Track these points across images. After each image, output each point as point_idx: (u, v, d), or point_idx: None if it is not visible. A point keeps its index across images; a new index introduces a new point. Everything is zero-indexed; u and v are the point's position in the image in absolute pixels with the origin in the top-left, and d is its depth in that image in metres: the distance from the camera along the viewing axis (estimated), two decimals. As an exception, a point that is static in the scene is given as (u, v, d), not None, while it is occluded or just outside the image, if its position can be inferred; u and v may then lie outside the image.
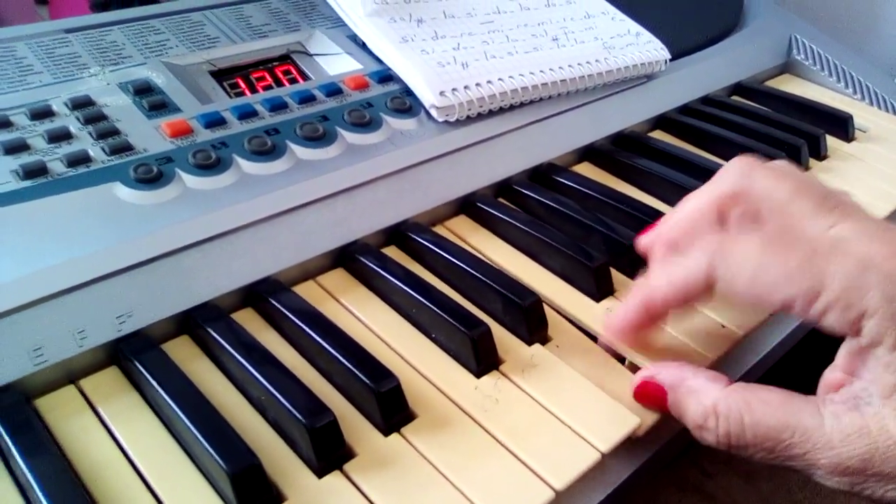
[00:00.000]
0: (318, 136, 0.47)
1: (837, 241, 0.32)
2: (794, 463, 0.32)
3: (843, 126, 0.64)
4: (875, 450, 0.30)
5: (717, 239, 0.35)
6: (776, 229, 0.34)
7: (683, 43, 0.68)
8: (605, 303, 0.43)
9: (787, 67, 0.77)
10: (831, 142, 0.63)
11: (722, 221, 0.36)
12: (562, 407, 0.36)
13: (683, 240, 0.37)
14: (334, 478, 0.33)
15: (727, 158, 0.58)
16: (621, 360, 0.40)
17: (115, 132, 0.44)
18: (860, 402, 0.31)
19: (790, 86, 0.73)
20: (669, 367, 0.36)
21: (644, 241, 0.40)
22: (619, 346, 0.39)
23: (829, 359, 0.34)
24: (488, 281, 0.42)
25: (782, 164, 0.37)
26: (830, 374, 0.33)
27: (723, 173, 0.37)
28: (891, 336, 0.30)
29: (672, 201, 0.53)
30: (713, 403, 0.33)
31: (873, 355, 0.31)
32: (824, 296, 0.31)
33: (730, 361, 0.42)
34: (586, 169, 0.57)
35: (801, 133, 0.61)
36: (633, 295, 0.38)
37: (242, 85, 0.51)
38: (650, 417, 0.37)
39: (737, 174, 0.36)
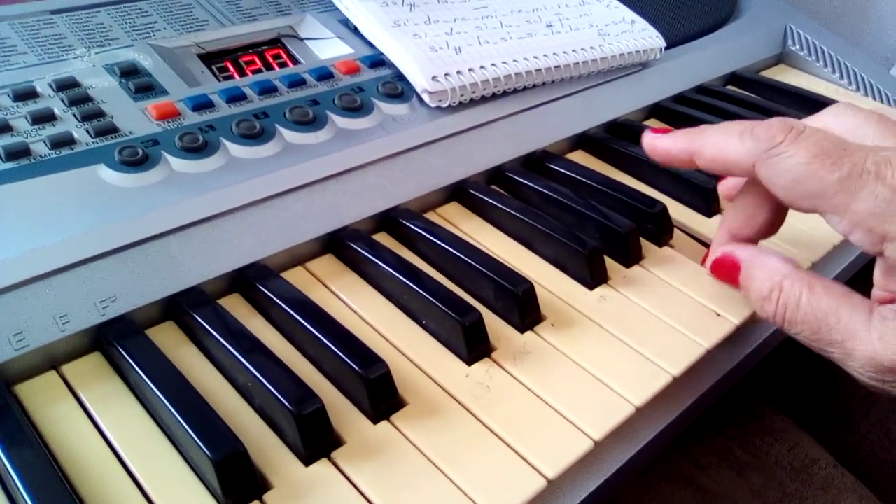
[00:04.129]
0: (308, 121, 0.46)
1: (880, 163, 0.33)
2: (833, 349, 0.35)
3: (838, 116, 0.64)
4: None
5: (772, 137, 0.36)
6: (830, 142, 0.34)
7: (679, 31, 0.67)
8: (599, 290, 0.43)
9: (783, 58, 0.76)
10: (827, 132, 0.62)
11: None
12: (554, 395, 0.36)
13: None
14: (322, 466, 0.32)
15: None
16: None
17: (100, 114, 0.43)
18: None
19: (785, 76, 0.73)
20: (745, 245, 0.41)
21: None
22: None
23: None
24: (480, 267, 0.41)
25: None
26: (876, 292, 0.36)
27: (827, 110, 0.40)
28: None
29: (666, 189, 0.53)
30: (781, 278, 0.37)
31: None
32: (850, 215, 0.33)
33: (725, 350, 0.41)
34: (580, 156, 0.56)
35: (797, 123, 0.60)
36: (683, 137, 0.40)
37: (231, 68, 0.50)
38: (641, 398, 0.36)
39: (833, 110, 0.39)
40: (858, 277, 0.48)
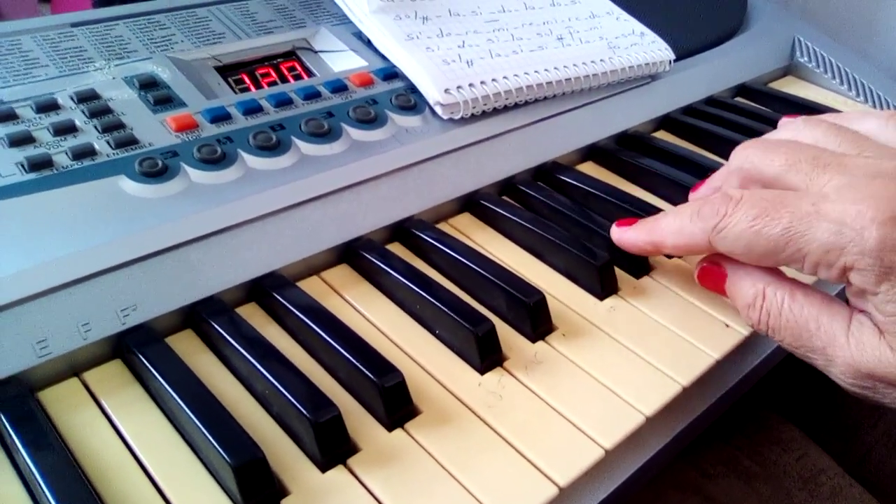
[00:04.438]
0: (323, 133, 0.47)
1: (818, 202, 0.34)
2: (815, 356, 0.36)
3: (846, 128, 0.64)
4: (879, 361, 0.33)
5: (717, 211, 0.37)
6: (767, 199, 0.36)
7: (687, 44, 0.68)
8: (609, 301, 0.43)
9: (791, 70, 0.77)
10: (834, 144, 0.63)
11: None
12: (565, 404, 0.36)
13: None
14: (338, 472, 0.33)
15: (731, 159, 0.58)
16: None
17: (120, 126, 0.44)
18: (879, 325, 0.34)
19: (793, 88, 0.73)
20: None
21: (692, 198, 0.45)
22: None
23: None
24: (492, 278, 0.42)
25: (776, 140, 0.40)
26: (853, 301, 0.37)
27: (729, 165, 0.41)
28: (871, 285, 0.33)
29: (676, 201, 0.53)
30: (764, 285, 0.37)
31: (868, 299, 0.34)
32: (808, 258, 0.34)
33: (734, 361, 0.42)
34: (590, 168, 0.57)
35: (805, 135, 0.61)
36: (645, 225, 0.42)
37: (247, 81, 0.51)
38: (651, 408, 0.37)
39: (737, 162, 0.40)
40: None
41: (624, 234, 0.43)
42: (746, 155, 0.40)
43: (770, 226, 0.35)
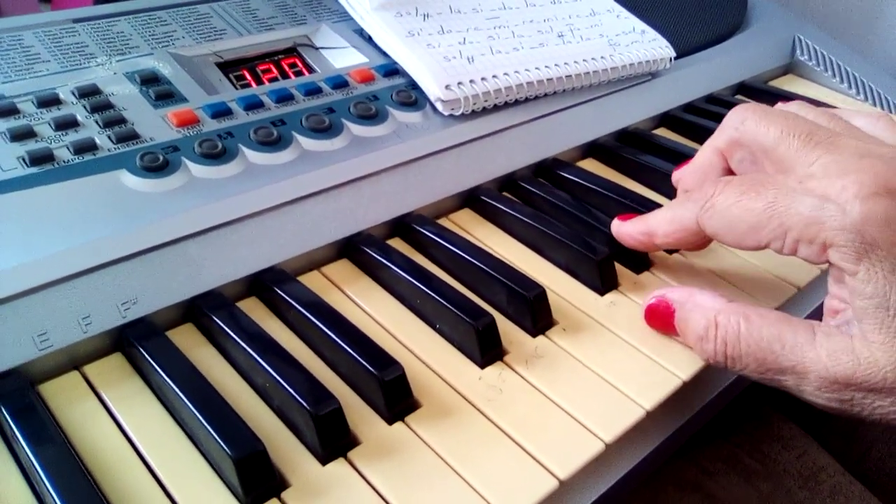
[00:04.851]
0: (324, 128, 0.47)
1: (803, 179, 0.34)
2: (784, 378, 0.34)
3: (846, 126, 0.64)
4: (857, 365, 0.32)
5: (705, 193, 0.37)
6: (753, 179, 0.36)
7: (688, 42, 0.68)
8: (609, 296, 0.43)
9: (791, 68, 0.77)
10: (835, 141, 0.63)
11: (727, 166, 0.41)
12: (566, 398, 0.36)
13: (694, 184, 0.42)
14: (338, 465, 0.33)
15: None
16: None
17: (121, 121, 0.44)
18: (849, 323, 0.34)
19: (793, 86, 0.73)
20: (678, 287, 0.41)
21: (674, 176, 0.46)
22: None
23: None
24: (493, 272, 0.42)
25: (777, 109, 0.39)
26: (828, 302, 0.36)
27: (725, 121, 0.41)
28: (851, 263, 0.32)
29: (675, 197, 0.53)
30: (714, 314, 0.36)
31: (846, 282, 0.33)
32: (790, 234, 0.34)
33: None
34: (591, 165, 0.57)
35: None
36: (639, 220, 0.42)
37: (248, 77, 0.51)
38: (651, 402, 0.37)
39: (732, 122, 0.40)
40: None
41: (621, 228, 0.44)
42: (743, 118, 0.39)
43: (754, 200, 0.35)
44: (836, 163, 0.33)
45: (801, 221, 0.33)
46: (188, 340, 0.38)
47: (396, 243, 0.46)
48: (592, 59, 0.57)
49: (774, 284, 0.46)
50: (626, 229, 0.43)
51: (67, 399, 0.35)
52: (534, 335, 0.40)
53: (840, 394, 0.33)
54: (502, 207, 0.48)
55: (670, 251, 0.48)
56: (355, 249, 0.44)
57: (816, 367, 0.33)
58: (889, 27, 0.92)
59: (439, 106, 0.51)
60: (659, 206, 0.49)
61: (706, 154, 0.42)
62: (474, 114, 0.52)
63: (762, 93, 0.70)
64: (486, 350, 0.38)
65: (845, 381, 0.32)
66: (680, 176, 0.45)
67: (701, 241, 0.41)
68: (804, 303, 0.46)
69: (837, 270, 0.34)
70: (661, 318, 0.40)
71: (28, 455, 0.31)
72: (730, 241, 0.37)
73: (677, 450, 0.40)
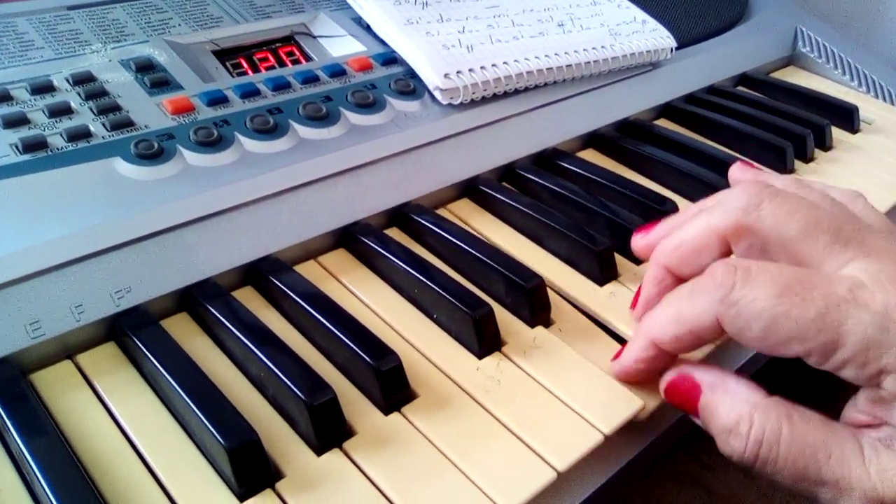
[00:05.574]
0: (321, 116, 0.46)
1: (854, 288, 0.30)
2: (823, 489, 0.30)
3: (848, 117, 0.64)
4: None
5: (726, 281, 0.31)
6: (788, 276, 0.30)
7: (690, 32, 0.68)
8: (609, 287, 0.43)
9: (793, 59, 0.76)
10: (836, 133, 0.63)
11: (726, 250, 0.34)
12: (564, 388, 0.36)
13: (684, 266, 0.36)
14: (333, 456, 0.32)
15: (733, 147, 0.58)
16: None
17: (116, 108, 0.43)
18: (894, 442, 0.30)
19: (795, 78, 0.73)
20: (711, 367, 0.34)
21: (641, 244, 0.39)
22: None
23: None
24: (491, 262, 0.41)
25: (792, 193, 0.34)
26: (854, 414, 0.32)
27: (731, 201, 0.34)
28: None
29: (676, 188, 0.53)
30: (751, 409, 0.31)
31: (894, 407, 0.30)
32: (841, 352, 0.29)
33: (731, 349, 0.42)
34: (591, 155, 0.56)
35: (807, 123, 0.60)
36: (640, 336, 0.35)
37: (245, 65, 0.51)
38: (652, 402, 0.36)
39: (744, 205, 0.33)
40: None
41: (622, 366, 0.37)
42: (758, 203, 0.33)
43: (800, 307, 0.29)
44: (883, 272, 0.30)
45: (860, 342, 0.29)
46: (182, 330, 0.38)
47: (394, 233, 0.46)
48: (593, 48, 0.57)
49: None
50: (627, 364, 0.36)
51: (60, 388, 0.34)
52: (532, 326, 0.40)
53: None
54: (501, 197, 0.48)
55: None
56: (352, 239, 0.44)
57: (863, 486, 0.29)
58: (891, 19, 0.91)
59: (438, 95, 0.50)
60: (660, 195, 0.49)
61: (701, 235, 0.35)
62: (473, 103, 0.51)
63: (763, 84, 0.69)
64: (484, 340, 0.38)
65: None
66: (651, 241, 0.38)
67: (713, 339, 0.34)
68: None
69: (883, 395, 0.30)
70: (682, 397, 0.34)
71: (19, 445, 0.30)
72: (758, 346, 0.31)
73: (676, 443, 0.39)
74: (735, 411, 0.31)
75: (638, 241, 0.40)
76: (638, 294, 0.40)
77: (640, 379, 0.36)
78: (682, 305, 0.33)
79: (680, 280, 0.36)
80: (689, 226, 0.35)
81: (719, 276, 0.31)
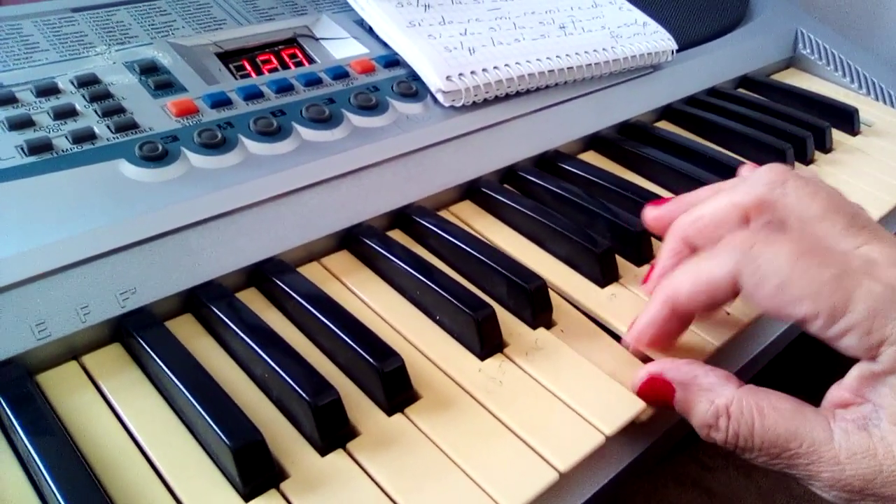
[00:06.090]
0: (324, 119, 0.47)
1: (868, 262, 0.31)
2: (794, 471, 0.32)
3: (848, 119, 0.64)
4: (878, 472, 0.30)
5: (747, 240, 0.33)
6: (809, 242, 0.32)
7: (690, 34, 0.68)
8: (610, 288, 0.43)
9: (793, 62, 0.76)
10: (837, 135, 0.63)
11: (744, 224, 0.36)
12: (566, 390, 0.36)
13: (703, 238, 0.37)
14: (337, 456, 0.33)
15: (733, 149, 0.59)
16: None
17: (120, 110, 0.43)
18: (869, 423, 0.31)
19: (796, 80, 0.73)
20: (679, 364, 0.35)
21: (652, 214, 0.41)
22: (647, 351, 0.38)
23: (828, 353, 0.33)
24: (493, 264, 0.41)
25: (814, 178, 0.37)
26: (838, 392, 0.33)
27: (756, 178, 0.37)
28: None
29: (677, 190, 0.53)
30: (725, 404, 0.33)
31: (886, 381, 0.31)
32: (847, 317, 0.30)
33: (734, 349, 0.42)
34: (592, 157, 0.56)
35: (807, 125, 0.61)
36: (655, 298, 0.37)
37: (248, 67, 0.51)
38: (654, 402, 0.36)
39: (770, 183, 0.36)
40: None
41: (637, 331, 0.38)
42: (784, 181, 0.35)
43: (818, 267, 0.31)
44: (895, 255, 0.32)
45: (867, 309, 0.30)
46: (187, 331, 0.38)
47: (397, 235, 0.46)
48: (594, 51, 0.57)
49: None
50: (643, 327, 0.37)
51: (66, 389, 0.35)
52: (534, 327, 0.40)
53: (850, 495, 0.31)
54: (503, 199, 0.48)
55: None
56: (355, 240, 0.44)
57: (832, 468, 0.30)
58: (892, 21, 0.91)
59: (440, 97, 0.50)
60: (656, 196, 0.49)
61: (723, 208, 0.37)
62: (475, 105, 0.51)
63: (764, 86, 0.70)
64: (486, 342, 0.38)
65: (860, 487, 0.30)
66: (665, 214, 0.41)
67: (719, 305, 0.36)
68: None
69: (876, 369, 0.31)
70: (657, 396, 0.36)
71: (26, 445, 0.31)
72: (769, 303, 0.32)
73: (677, 444, 0.40)
74: (713, 407, 0.33)
75: (650, 212, 0.43)
76: (650, 272, 0.41)
77: (653, 346, 0.38)
78: (702, 262, 0.35)
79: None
80: (710, 202, 0.38)
81: (741, 236, 0.33)
